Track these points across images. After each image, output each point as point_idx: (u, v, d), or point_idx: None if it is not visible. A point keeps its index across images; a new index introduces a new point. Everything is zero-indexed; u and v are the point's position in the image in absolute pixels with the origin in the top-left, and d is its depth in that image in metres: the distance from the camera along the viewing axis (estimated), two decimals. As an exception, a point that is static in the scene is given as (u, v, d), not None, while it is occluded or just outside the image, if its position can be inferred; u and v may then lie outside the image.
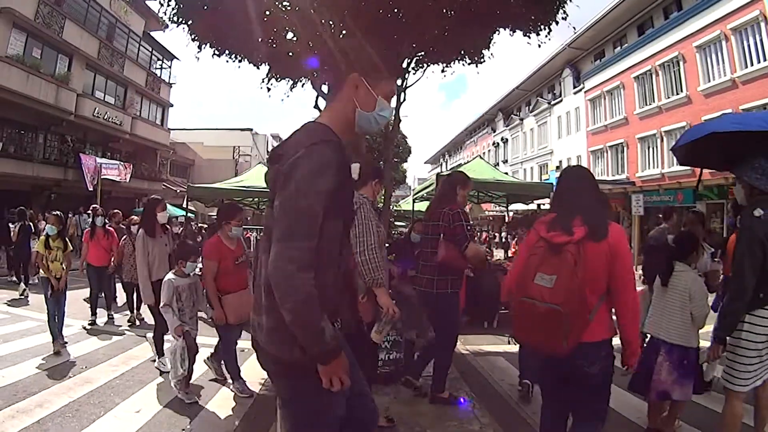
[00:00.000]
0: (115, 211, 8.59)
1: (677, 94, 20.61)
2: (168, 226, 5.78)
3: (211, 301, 4.48)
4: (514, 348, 4.96)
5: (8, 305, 8.63)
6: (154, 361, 5.34)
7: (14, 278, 10.60)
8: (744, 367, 2.94)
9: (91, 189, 16.24)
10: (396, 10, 7.17)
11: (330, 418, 1.68)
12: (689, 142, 3.81)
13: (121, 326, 7.24)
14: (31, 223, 10.48)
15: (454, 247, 3.84)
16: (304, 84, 9.73)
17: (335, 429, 1.71)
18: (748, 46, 17.25)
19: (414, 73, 9.33)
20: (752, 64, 17.03)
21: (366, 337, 2.90)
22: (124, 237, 7.64)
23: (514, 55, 46.77)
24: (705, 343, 3.33)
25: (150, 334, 5.75)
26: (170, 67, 30.64)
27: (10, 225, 10.86)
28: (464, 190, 4.20)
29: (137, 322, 7.44)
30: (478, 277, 6.87)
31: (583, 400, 2.45)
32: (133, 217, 8.33)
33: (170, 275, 4.44)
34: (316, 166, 1.50)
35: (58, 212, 6.14)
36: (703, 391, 3.67)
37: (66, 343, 5.83)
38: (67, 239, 6.15)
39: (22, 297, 9.40)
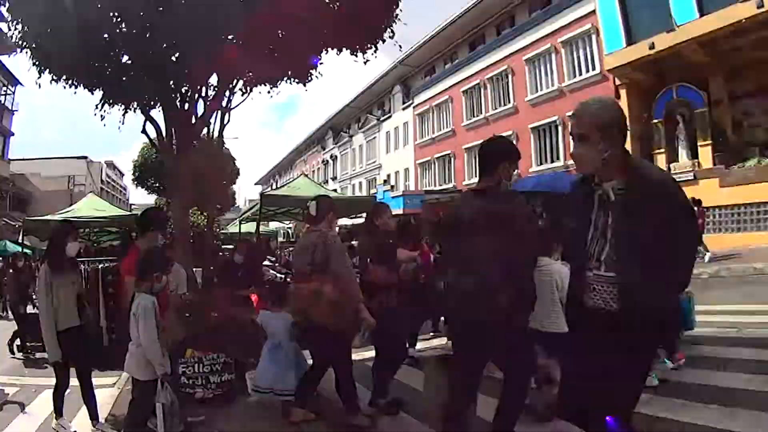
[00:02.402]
0: None
1: (505, 105, 22.05)
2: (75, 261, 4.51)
3: None
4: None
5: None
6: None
7: None
8: None
9: None
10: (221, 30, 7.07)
11: None
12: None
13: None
14: None
15: None
16: (135, 109, 9.41)
17: None
18: (578, 57, 18.41)
19: (242, 94, 9.17)
20: (581, 74, 18.17)
21: None
22: None
23: (346, 74, 48.54)
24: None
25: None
26: (14, 93, 28.39)
27: None
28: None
29: None
30: None
31: None
32: None
33: None
34: None
35: None
36: None
37: None
38: None
39: None
